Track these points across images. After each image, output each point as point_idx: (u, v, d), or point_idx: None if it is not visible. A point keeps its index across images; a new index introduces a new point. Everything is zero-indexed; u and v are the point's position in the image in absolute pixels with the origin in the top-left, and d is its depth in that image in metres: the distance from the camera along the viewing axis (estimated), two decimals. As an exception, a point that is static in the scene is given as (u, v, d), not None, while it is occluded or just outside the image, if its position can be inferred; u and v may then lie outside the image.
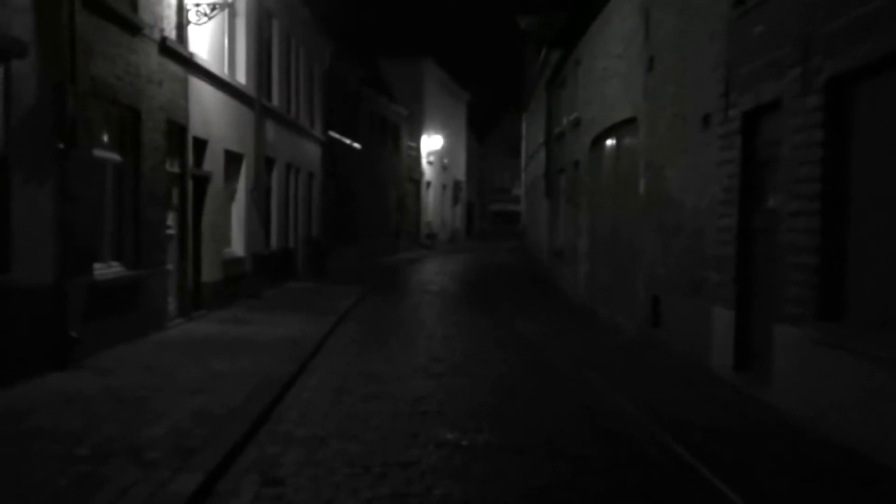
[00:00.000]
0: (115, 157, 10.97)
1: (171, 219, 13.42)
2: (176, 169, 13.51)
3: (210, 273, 15.28)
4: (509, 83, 70.67)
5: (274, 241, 20.77)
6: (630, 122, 14.47)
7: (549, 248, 25.89)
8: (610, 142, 16.33)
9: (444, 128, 48.71)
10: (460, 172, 57.77)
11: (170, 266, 13.21)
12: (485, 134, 70.34)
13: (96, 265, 10.25)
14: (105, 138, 10.75)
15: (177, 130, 13.43)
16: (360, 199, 32.83)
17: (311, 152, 24.98)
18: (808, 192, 7.27)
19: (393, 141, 39.62)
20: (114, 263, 11.01)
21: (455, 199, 56.19)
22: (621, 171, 15.34)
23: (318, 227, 26.05)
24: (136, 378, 8.75)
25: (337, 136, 28.30)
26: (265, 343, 11.91)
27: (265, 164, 19.55)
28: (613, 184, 15.92)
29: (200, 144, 14.67)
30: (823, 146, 7.03)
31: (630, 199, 14.40)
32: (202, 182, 14.78)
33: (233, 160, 17.01)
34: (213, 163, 15.30)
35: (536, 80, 32.26)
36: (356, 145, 31.60)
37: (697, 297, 10.44)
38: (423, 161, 45.74)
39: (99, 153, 10.35)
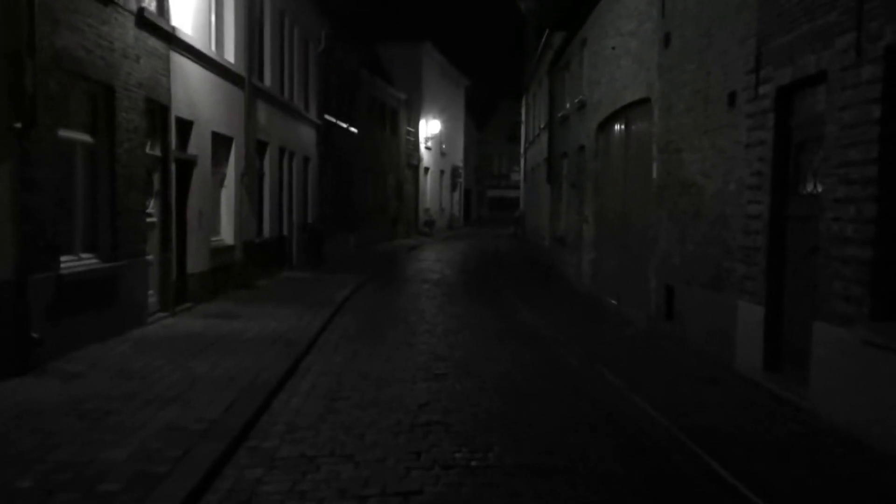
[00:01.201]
0: (85, 138, 10.07)
1: (151, 205, 12.56)
2: (157, 152, 12.64)
3: (196, 263, 14.43)
4: (508, 69, 69.62)
5: (267, 228, 19.91)
6: (642, 104, 13.60)
7: (550, 235, 25.05)
8: (619, 124, 15.46)
9: (442, 113, 47.75)
10: (458, 158, 56.86)
11: (150, 257, 12.35)
12: (483, 120, 69.39)
13: (65, 258, 9.37)
14: (73, 117, 9.86)
15: (158, 110, 12.54)
16: (358, 185, 31.95)
17: (306, 136, 24.08)
18: (861, 175, 6.41)
19: (391, 126, 38.70)
20: (86, 255, 10.13)
21: (453, 185, 55.31)
22: (631, 154, 14.49)
23: (315, 214, 25.17)
24: (104, 384, 7.88)
25: (333, 119, 27.38)
26: (254, 340, 11.08)
27: (257, 147, 18.66)
28: (622, 168, 15.07)
29: (185, 126, 13.79)
30: (882, 123, 6.15)
31: (641, 185, 13.56)
32: (187, 166, 13.90)
33: (221, 143, 16.13)
34: (200, 146, 14.42)
35: (538, 64, 31.33)
36: (353, 130, 30.68)
37: (720, 290, 9.61)
38: (422, 146, 44.83)
39: (66, 133, 9.44)
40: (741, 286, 8.89)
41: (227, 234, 16.87)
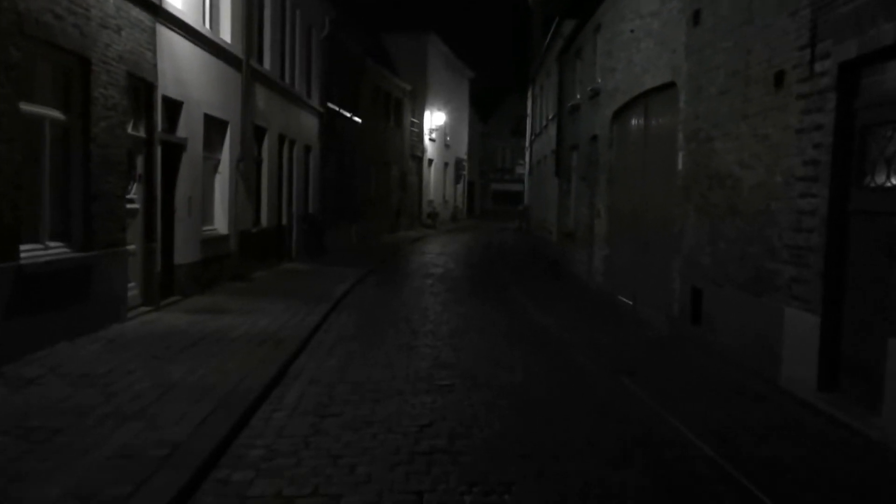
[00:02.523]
0: (55, 114, 9.05)
1: (134, 191, 11.57)
2: (141, 133, 11.64)
3: (185, 254, 13.44)
4: (513, 63, 68.30)
5: (265, 218, 18.91)
6: (665, 89, 12.57)
7: (558, 230, 24.01)
8: (637, 113, 14.43)
9: (447, 105, 46.70)
10: (463, 151, 55.80)
11: (132, 246, 11.38)
12: (487, 113, 68.28)
13: (27, 246, 8.36)
14: (41, 90, 8.84)
15: (143, 88, 11.55)
16: (361, 176, 30.92)
17: (308, 124, 23.06)
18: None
19: (395, 116, 37.66)
20: (54, 244, 9.12)
21: (457, 178, 54.25)
22: (652, 144, 13.46)
23: (316, 204, 24.17)
24: (60, 393, 6.86)
25: (336, 108, 26.35)
26: (241, 339, 10.10)
27: (254, 133, 17.66)
28: (641, 159, 14.03)
29: (173, 106, 12.78)
30: None
31: (663, 177, 12.54)
32: (175, 149, 12.90)
33: (215, 127, 15.12)
34: (190, 128, 13.41)
35: (545, 54, 30.24)
36: (357, 119, 29.65)
37: (761, 294, 8.59)
38: (426, 138, 43.77)
39: (30, 108, 8.43)
40: (789, 291, 7.88)
41: (220, 223, 15.88)
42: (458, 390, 8.11)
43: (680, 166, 11.51)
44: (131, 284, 11.34)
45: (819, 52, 7.34)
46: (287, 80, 20.57)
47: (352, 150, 29.32)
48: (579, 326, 12.34)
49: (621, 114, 15.64)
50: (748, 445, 6.27)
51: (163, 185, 12.39)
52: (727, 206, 9.67)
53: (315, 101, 23.64)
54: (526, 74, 42.21)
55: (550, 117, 27.34)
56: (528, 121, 41.07)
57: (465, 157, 56.36)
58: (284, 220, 20.84)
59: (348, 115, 28.12)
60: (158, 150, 12.07)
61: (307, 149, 23.00)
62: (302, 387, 8.16)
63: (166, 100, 12.34)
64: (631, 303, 13.97)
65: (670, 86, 12.23)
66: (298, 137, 21.70)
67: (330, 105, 25.36)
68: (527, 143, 42.47)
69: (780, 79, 8.27)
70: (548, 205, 27.97)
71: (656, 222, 12.89)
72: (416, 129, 41.72)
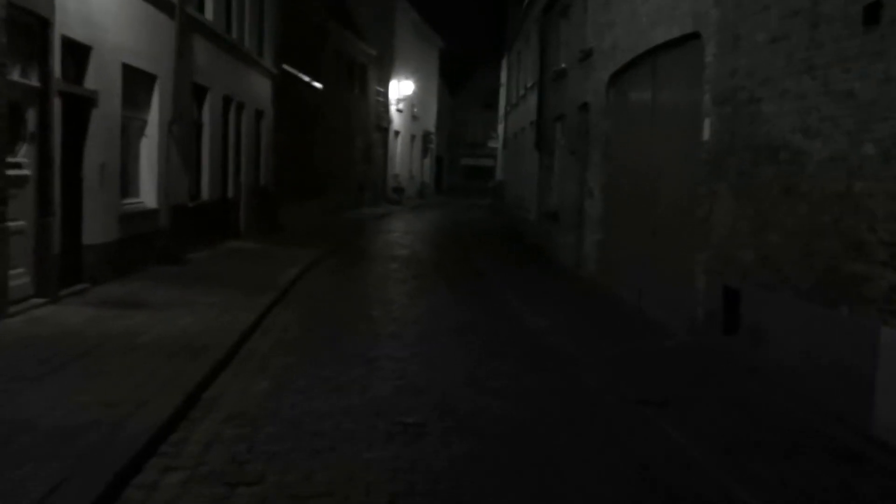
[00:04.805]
0: None
1: (23, 153, 9.13)
2: (33, 81, 9.20)
3: (97, 232, 11.05)
4: (486, 31, 65.59)
5: (206, 190, 16.49)
6: (683, 42, 10.36)
7: (538, 209, 21.81)
8: (643, 74, 12.21)
9: (414, 73, 44.05)
10: (431, 123, 53.17)
11: (19, 222, 8.97)
12: (457, 86, 65.55)
13: None
14: None
15: (35, 25, 9.10)
16: (321, 147, 28.43)
17: (260, 86, 20.54)
18: None
19: (360, 84, 35.06)
20: None
21: (425, 151, 51.71)
22: (663, 111, 11.28)
23: (269, 176, 21.72)
24: None
25: (294, 71, 23.81)
26: (149, 346, 7.82)
27: (193, 92, 15.18)
28: (648, 128, 11.85)
29: (79, 51, 10.32)
30: None
31: (680, 149, 10.38)
32: (82, 105, 10.46)
33: (139, 80, 12.64)
34: (103, 79, 10.95)
35: (524, 16, 27.94)
36: (317, 85, 27.10)
37: (837, 304, 6.45)
38: (392, 108, 41.18)
39: None
40: (889, 304, 5.73)
41: (148, 195, 13.45)
42: (432, 434, 5.88)
43: (706, 136, 9.32)
44: (17, 270, 8.95)
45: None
46: (234, 34, 18.03)
47: (311, 119, 26.81)
48: (578, 330, 10.18)
49: (620, 77, 13.43)
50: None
51: (65, 147, 9.96)
52: (781, 186, 7.50)
53: (268, 62, 21.10)
54: (500, 43, 39.87)
55: (530, 85, 25.05)
56: (503, 91, 38.78)
57: (433, 130, 53.76)
58: (231, 193, 18.40)
59: (307, 79, 25.57)
60: (57, 104, 9.62)
61: (259, 114, 20.50)
62: (215, 426, 5.89)
63: (68, 42, 9.88)
64: (634, 299, 11.82)
65: (691, 38, 10.02)
66: (248, 100, 19.19)
67: (286, 67, 22.82)
68: (500, 115, 40.17)
69: (873, 14, 6.08)
70: (525, 181, 25.76)
71: (669, 205, 10.73)
72: (381, 99, 39.14)
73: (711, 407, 6.81)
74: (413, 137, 47.46)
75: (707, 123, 9.34)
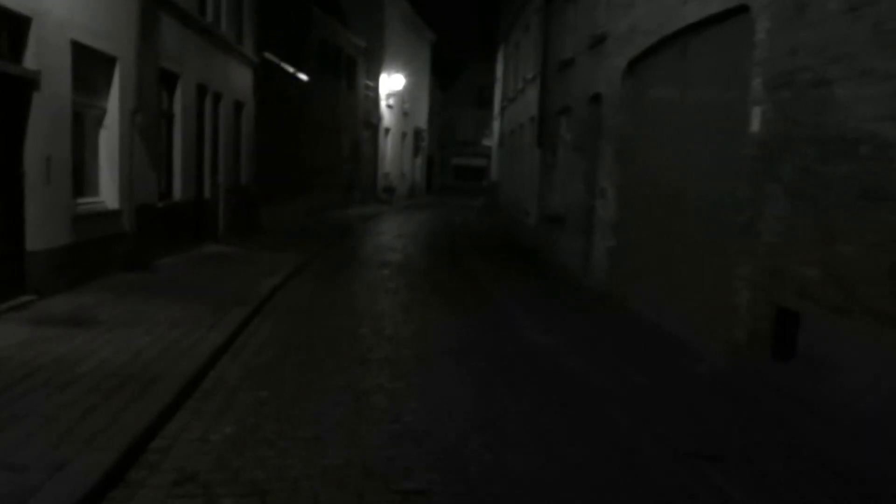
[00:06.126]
0: None
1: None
2: (-47, 57, 7.72)
3: (44, 236, 9.58)
4: (479, 24, 63.70)
5: (178, 189, 14.98)
6: (724, 19, 8.96)
7: (539, 212, 20.36)
8: (669, 58, 10.81)
9: (405, 67, 42.49)
10: (422, 120, 51.57)
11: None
12: (448, 82, 63.99)
13: None
14: None
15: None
16: (307, 143, 26.91)
17: (239, 76, 19.02)
18: None
19: (348, 77, 33.50)
20: None
21: (416, 150, 50.16)
22: (696, 98, 9.87)
23: (250, 174, 20.20)
24: None
25: (276, 60, 22.29)
26: (88, 378, 6.40)
27: (160, 78, 13.69)
28: (674, 121, 10.45)
29: (15, 23, 8.84)
30: None
31: (717, 142, 8.99)
32: (21, 88, 8.97)
33: (95, 62, 11.15)
34: (48, 59, 9.45)
35: (523, 6, 26.51)
36: (302, 76, 25.59)
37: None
38: (382, 104, 39.62)
39: None
40: None
41: (108, 193, 11.95)
42: (441, 514, 4.45)
43: (755, 127, 7.90)
44: (-66, 285, 7.47)
45: None
46: (210, 17, 16.52)
47: (296, 112, 25.30)
48: (594, 351, 8.78)
49: (640, 63, 12.03)
50: None
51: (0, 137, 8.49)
52: (859, 187, 6.10)
53: (248, 49, 19.58)
54: (493, 36, 38.42)
55: (530, 78, 23.60)
56: (498, 86, 37.30)
57: (424, 127, 52.20)
58: (207, 193, 16.88)
59: (291, 70, 24.05)
60: (-13, 85, 8.15)
61: (238, 105, 18.99)
62: (156, 496, 4.45)
63: (2, 11, 8.39)
64: (654, 315, 10.40)
65: (734, 13, 8.61)
66: (226, 91, 17.68)
67: (268, 56, 21.30)
68: (496, 112, 38.72)
69: None
70: (523, 181, 24.33)
71: (701, 208, 9.32)
72: (371, 94, 37.60)
73: (777, 461, 5.42)
74: (404, 135, 45.93)
75: (756, 112, 7.92)
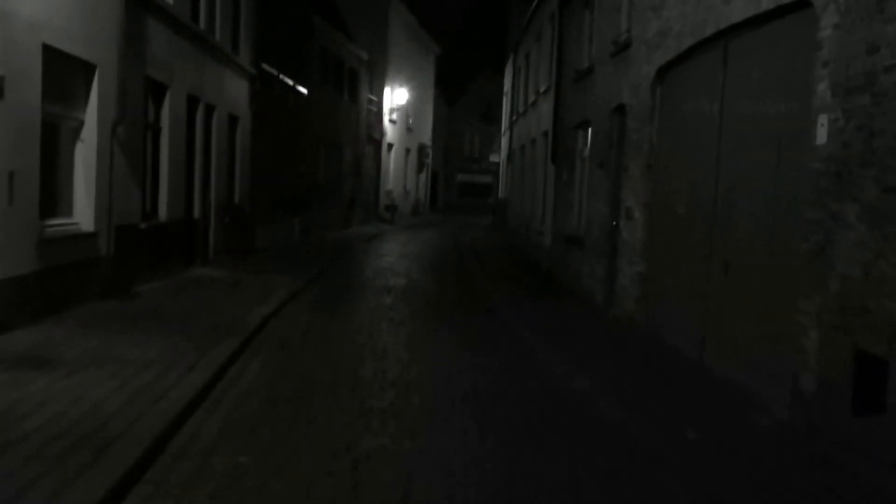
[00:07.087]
0: None
1: None
2: None
3: (4, 263, 8.45)
4: (485, 37, 62.46)
5: (165, 208, 13.84)
6: (777, 16, 7.81)
7: (554, 232, 19.16)
8: (707, 63, 9.67)
9: (409, 81, 41.45)
10: (427, 136, 50.45)
11: None
12: (454, 96, 62.90)
13: None
14: None
15: None
16: (306, 158, 25.81)
17: (234, 88, 17.92)
18: None
19: (350, 90, 32.44)
20: None
21: (420, 166, 49.03)
22: (742, 107, 8.70)
23: (244, 191, 19.08)
24: None
25: (274, 72, 21.22)
26: (33, 439, 5.30)
27: (147, 88, 12.59)
28: (714, 132, 9.29)
29: (-31, 21, 7.74)
30: None
31: (771, 156, 7.83)
32: (-26, 94, 7.86)
33: (70, 70, 10.05)
34: (15, 63, 8.36)
35: (534, 13, 25.43)
36: (302, 89, 24.53)
37: None
38: (386, 118, 38.54)
39: None
40: None
41: (83, 214, 10.81)
42: None
43: (823, 139, 6.73)
44: None
45: None
46: (203, 23, 15.44)
47: (295, 127, 24.20)
48: (633, 396, 7.57)
49: (672, 70, 10.88)
50: None
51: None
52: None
53: (245, 60, 18.50)
54: (500, 49, 37.39)
55: (542, 90, 22.45)
56: (507, 100, 36.16)
57: (429, 142, 51.06)
58: (197, 212, 15.72)
59: (290, 82, 22.97)
60: (-69, 90, 7.02)
61: (233, 119, 17.87)
62: None
63: (-48, 6, 7.30)
64: (695, 352, 9.20)
65: (792, 9, 7.46)
66: (220, 103, 16.57)
67: (265, 66, 20.21)
68: (504, 127, 37.59)
69: None
70: (535, 199, 23.15)
71: (753, 231, 8.15)
72: (373, 108, 36.51)
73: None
74: (408, 151, 44.84)
75: (823, 122, 6.75)
